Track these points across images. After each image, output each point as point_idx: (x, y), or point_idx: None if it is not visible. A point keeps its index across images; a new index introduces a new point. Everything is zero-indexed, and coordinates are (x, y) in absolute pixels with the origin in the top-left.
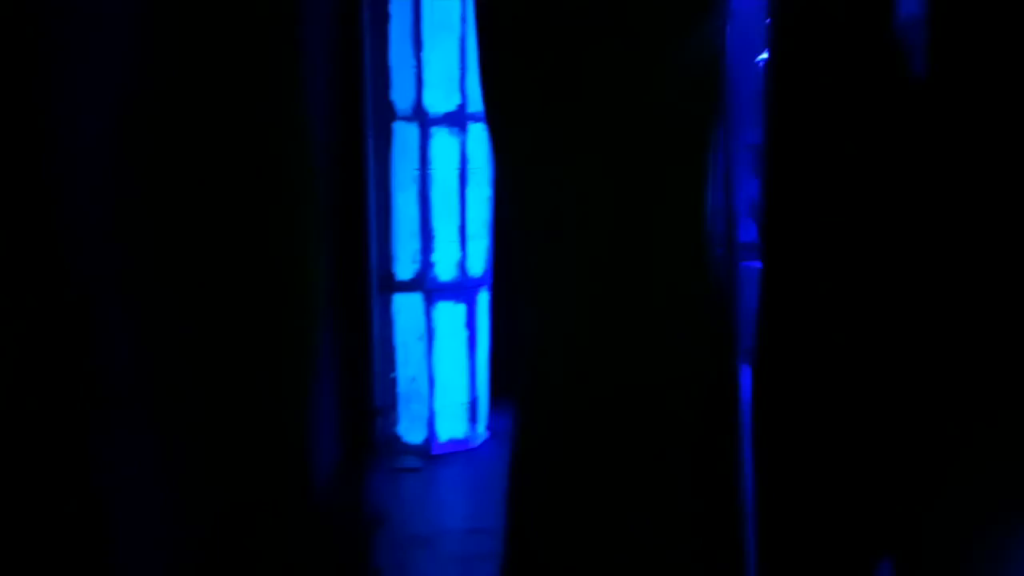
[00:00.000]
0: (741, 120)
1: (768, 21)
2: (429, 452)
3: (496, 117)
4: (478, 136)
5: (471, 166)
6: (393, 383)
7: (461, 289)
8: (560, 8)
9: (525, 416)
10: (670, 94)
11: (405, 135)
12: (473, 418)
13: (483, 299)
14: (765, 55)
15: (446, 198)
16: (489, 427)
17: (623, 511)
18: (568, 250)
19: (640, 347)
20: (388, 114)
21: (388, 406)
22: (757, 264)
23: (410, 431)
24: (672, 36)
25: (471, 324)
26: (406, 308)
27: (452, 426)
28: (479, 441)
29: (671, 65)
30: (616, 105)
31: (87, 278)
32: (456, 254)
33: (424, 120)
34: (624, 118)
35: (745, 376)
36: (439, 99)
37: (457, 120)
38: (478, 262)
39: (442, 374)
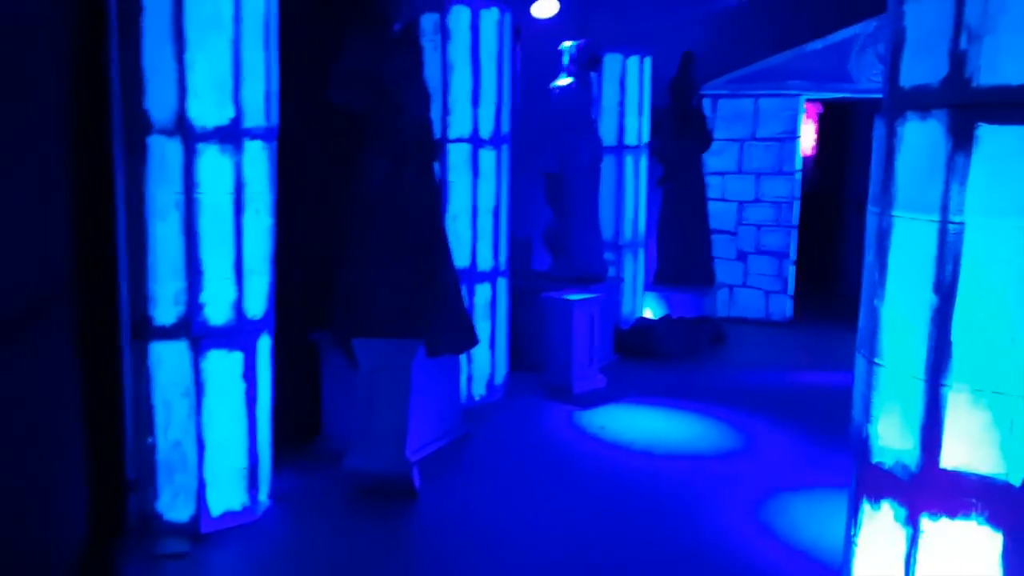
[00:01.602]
0: (534, 147)
1: (563, 46)
2: (198, 531)
3: None
4: (256, 155)
5: (248, 191)
6: (151, 449)
7: (237, 334)
8: None
9: None
10: None
11: (164, 152)
12: (253, 485)
13: (264, 345)
14: (561, 80)
15: (218, 228)
16: (272, 494)
17: None
18: None
19: None
20: (142, 126)
21: (144, 477)
22: (557, 295)
23: (173, 507)
24: None
25: (250, 375)
26: (168, 358)
27: (227, 497)
28: (260, 511)
29: None
30: None
31: None
32: (231, 294)
33: (189, 135)
34: None
35: None
36: (207, 111)
37: (231, 136)
38: (258, 302)
39: (214, 436)
